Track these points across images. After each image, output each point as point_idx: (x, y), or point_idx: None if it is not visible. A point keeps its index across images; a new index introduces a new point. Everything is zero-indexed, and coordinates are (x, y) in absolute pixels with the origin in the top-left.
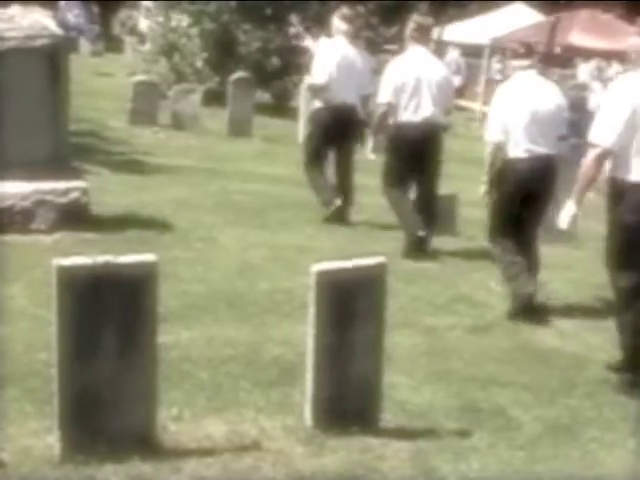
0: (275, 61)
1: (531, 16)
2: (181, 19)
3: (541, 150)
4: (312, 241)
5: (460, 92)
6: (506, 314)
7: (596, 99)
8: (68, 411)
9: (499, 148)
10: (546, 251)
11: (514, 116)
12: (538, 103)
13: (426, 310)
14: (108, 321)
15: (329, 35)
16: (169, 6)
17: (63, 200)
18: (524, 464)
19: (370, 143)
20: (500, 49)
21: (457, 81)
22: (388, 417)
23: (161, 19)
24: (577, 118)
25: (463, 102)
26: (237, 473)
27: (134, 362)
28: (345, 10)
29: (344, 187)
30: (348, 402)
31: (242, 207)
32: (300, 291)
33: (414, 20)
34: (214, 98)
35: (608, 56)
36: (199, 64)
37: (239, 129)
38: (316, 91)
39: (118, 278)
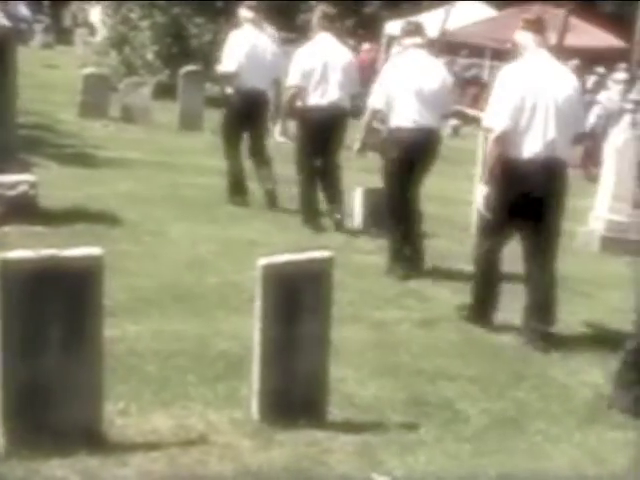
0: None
1: (483, 11)
2: (132, 9)
3: (424, 122)
4: (262, 235)
5: None
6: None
7: None
8: (12, 405)
9: (375, 115)
10: None
11: (399, 88)
12: (424, 80)
13: (375, 304)
14: (53, 315)
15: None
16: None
17: (11, 193)
18: (470, 457)
19: (279, 126)
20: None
21: None
22: (335, 411)
23: (112, 11)
24: None
25: None
26: (184, 467)
27: (80, 356)
28: (250, 1)
29: (262, 171)
30: (295, 395)
31: (192, 201)
32: (249, 285)
33: (320, 9)
34: (165, 91)
35: (559, 51)
36: (150, 57)
37: (190, 122)
38: (228, 78)
39: (63, 272)
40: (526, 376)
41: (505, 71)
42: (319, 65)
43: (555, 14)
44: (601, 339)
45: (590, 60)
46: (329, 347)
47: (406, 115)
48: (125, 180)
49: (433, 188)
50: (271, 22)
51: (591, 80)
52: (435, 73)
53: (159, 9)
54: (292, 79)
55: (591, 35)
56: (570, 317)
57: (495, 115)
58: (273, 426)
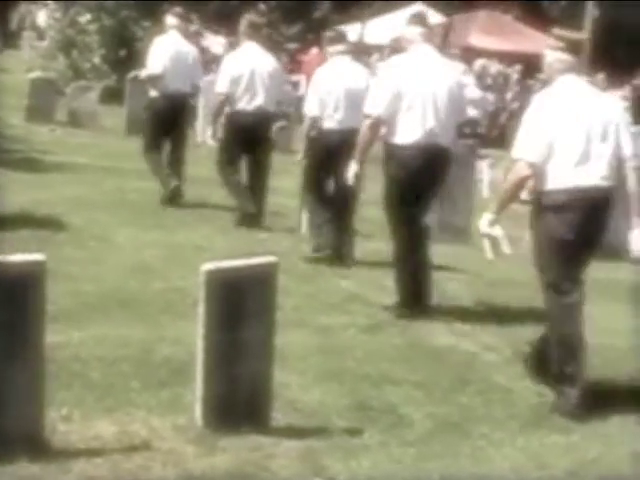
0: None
1: (431, 16)
2: (79, 13)
3: (351, 124)
4: (208, 240)
5: None
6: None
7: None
8: None
9: (314, 122)
10: (442, 250)
11: (329, 94)
12: (350, 84)
13: (320, 309)
14: None
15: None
16: (68, 1)
17: None
18: (414, 461)
19: (209, 130)
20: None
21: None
22: (279, 416)
23: (60, 14)
24: None
25: None
26: (127, 473)
27: (22, 362)
28: (177, 9)
29: (175, 169)
30: (239, 401)
31: (138, 206)
32: (194, 291)
33: (247, 18)
34: (112, 95)
35: (505, 57)
36: (97, 61)
37: (137, 127)
38: (152, 81)
39: (5, 277)
40: (470, 381)
41: (389, 63)
42: (246, 72)
43: (502, 20)
44: None
45: (536, 65)
46: (273, 352)
47: (334, 118)
48: (72, 185)
49: (378, 193)
50: (264, 32)
51: (536, 86)
52: (360, 77)
53: (107, 12)
54: (221, 86)
55: (536, 40)
56: (514, 321)
57: (373, 102)
58: (216, 432)
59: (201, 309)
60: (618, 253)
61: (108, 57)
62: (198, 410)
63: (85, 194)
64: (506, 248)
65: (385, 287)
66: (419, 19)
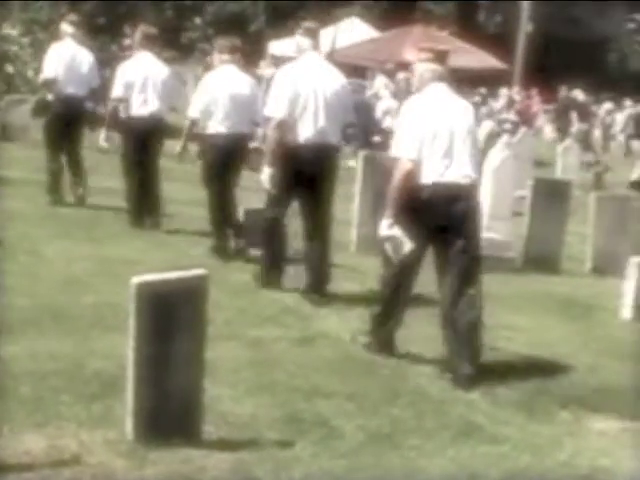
0: (108, 72)
1: (366, 31)
2: (13, 25)
3: (238, 127)
4: (141, 254)
5: None
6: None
7: (384, 105)
8: None
9: (195, 125)
10: (367, 261)
11: (215, 100)
12: (235, 90)
13: (252, 322)
14: None
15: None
16: (0, 14)
17: None
18: (346, 473)
19: (103, 133)
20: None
21: None
22: (210, 429)
23: None
24: (364, 121)
25: None
26: None
27: None
28: (72, 16)
29: (80, 172)
30: (169, 414)
31: (71, 220)
32: (125, 304)
33: (141, 30)
34: (45, 109)
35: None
36: (30, 74)
37: None
38: (47, 85)
39: None
40: (402, 392)
41: (282, 71)
42: (140, 79)
43: (437, 36)
44: None
45: (471, 81)
46: (204, 365)
47: (221, 122)
48: (3, 199)
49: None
50: (157, 42)
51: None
52: (245, 84)
53: (40, 25)
54: (115, 91)
55: (472, 56)
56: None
57: (274, 106)
58: (147, 445)
59: (131, 322)
60: (552, 266)
61: (41, 70)
62: (129, 423)
63: (17, 208)
64: (407, 247)
65: (319, 300)
66: (310, 32)
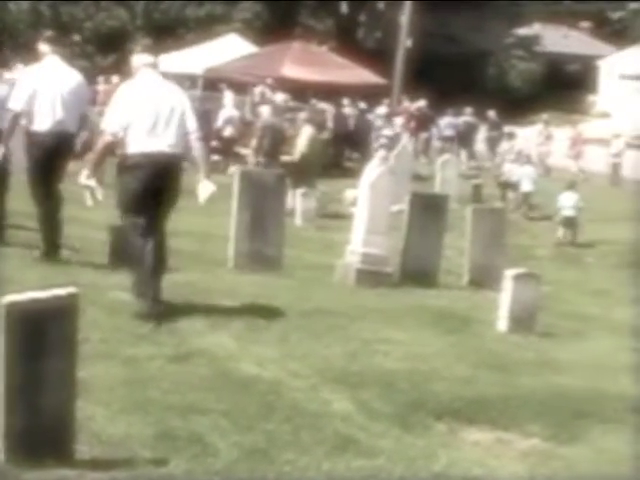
0: None
1: (244, 47)
2: None
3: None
4: (15, 272)
5: None
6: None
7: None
8: None
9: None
10: (254, 280)
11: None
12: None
13: (127, 341)
14: None
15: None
16: None
17: None
18: None
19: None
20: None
21: None
22: (84, 448)
23: None
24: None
25: None
26: None
27: None
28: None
29: None
30: (42, 434)
31: None
32: None
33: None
34: None
35: (319, 87)
36: None
37: None
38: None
39: None
40: (278, 408)
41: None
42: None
43: (316, 51)
44: (354, 371)
45: (350, 96)
46: (76, 385)
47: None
48: None
49: (190, 224)
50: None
51: (353, 116)
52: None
53: None
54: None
55: (351, 71)
56: (324, 350)
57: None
58: (19, 466)
59: (1, 342)
60: (429, 280)
61: None
62: (0, 444)
63: None
64: (99, 196)
65: (194, 317)
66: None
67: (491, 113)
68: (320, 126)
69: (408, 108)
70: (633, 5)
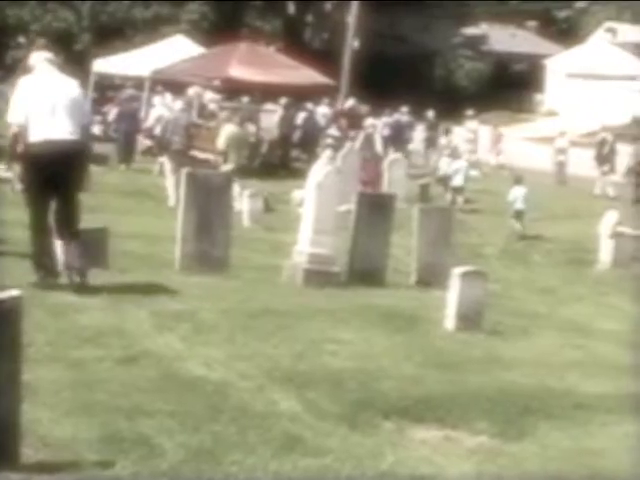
0: None
1: (191, 48)
2: None
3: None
4: None
5: None
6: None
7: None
8: None
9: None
10: (200, 281)
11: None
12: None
13: (73, 343)
14: None
15: None
16: None
17: None
18: None
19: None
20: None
21: None
22: (29, 452)
23: None
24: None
25: None
26: None
27: None
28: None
29: None
30: None
31: None
32: None
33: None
34: None
35: (267, 88)
36: None
37: None
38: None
39: None
40: (224, 409)
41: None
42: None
43: (263, 52)
44: (301, 371)
45: (297, 96)
46: (21, 388)
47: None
48: None
49: (138, 226)
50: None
51: (301, 117)
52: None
53: None
54: (14, 117)
55: (297, 72)
56: (272, 350)
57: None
58: None
59: None
60: (377, 279)
61: None
62: None
63: None
64: (18, 186)
65: (141, 319)
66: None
67: (429, 113)
68: (241, 124)
69: (338, 107)
70: (579, 4)
